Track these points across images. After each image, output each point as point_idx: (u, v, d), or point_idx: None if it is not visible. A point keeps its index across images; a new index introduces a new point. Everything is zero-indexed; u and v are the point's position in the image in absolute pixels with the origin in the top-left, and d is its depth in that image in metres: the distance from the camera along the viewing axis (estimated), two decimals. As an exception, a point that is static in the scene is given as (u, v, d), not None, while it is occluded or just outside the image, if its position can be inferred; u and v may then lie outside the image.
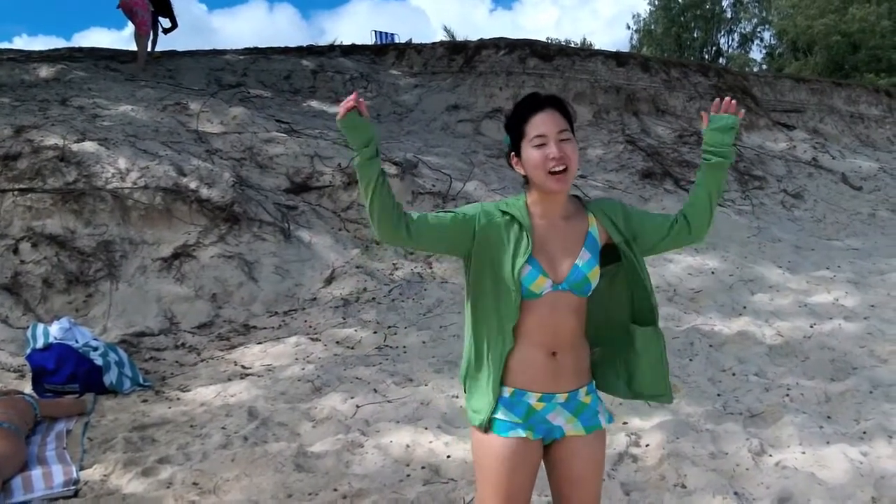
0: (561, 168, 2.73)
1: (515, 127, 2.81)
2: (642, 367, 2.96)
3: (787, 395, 6.08)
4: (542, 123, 2.75)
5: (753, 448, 5.02)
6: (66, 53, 15.19)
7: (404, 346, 7.31)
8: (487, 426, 2.84)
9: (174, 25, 14.87)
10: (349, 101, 2.65)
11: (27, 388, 6.32)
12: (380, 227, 2.75)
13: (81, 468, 4.93)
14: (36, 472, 4.80)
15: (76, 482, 4.72)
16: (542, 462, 2.97)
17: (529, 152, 2.76)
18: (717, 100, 2.98)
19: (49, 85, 12.50)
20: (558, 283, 2.79)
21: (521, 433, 2.82)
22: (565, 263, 2.81)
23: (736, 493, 4.48)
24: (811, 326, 7.64)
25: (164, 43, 15.26)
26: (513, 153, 2.85)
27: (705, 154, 2.98)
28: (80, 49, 15.89)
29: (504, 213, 2.84)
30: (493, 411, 2.84)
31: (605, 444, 3.00)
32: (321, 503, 4.44)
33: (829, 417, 5.68)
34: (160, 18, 14.43)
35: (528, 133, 2.76)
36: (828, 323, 7.73)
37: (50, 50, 15.73)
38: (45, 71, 13.06)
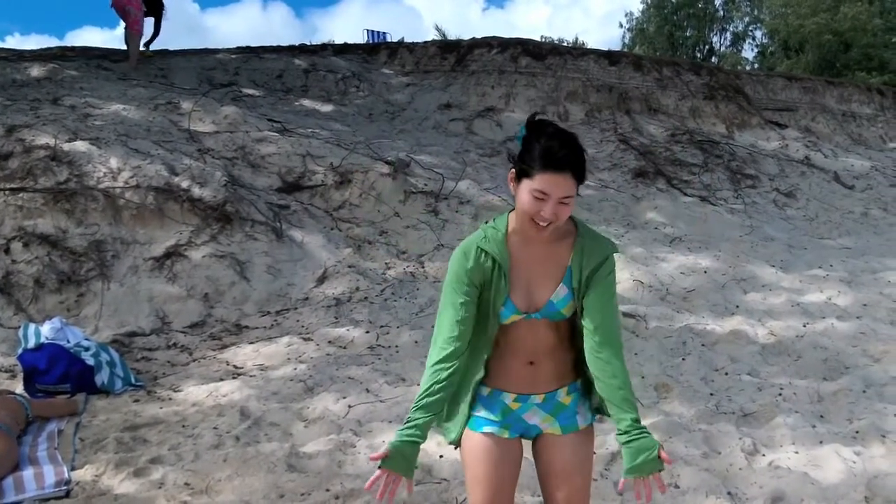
0: (546, 223, 2.64)
1: (526, 159, 2.65)
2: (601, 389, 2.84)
3: (780, 394, 6.09)
4: (551, 184, 2.59)
5: (746, 448, 5.03)
6: (58, 52, 15.13)
7: (397, 346, 7.30)
8: (459, 440, 2.94)
9: (156, 33, 14.93)
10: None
11: (18, 388, 6.29)
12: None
13: (73, 468, 4.90)
14: (27, 473, 4.77)
15: (68, 482, 4.69)
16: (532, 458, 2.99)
17: (525, 195, 2.63)
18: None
19: (40, 84, 12.45)
20: (532, 314, 2.78)
21: (496, 430, 2.87)
22: (541, 294, 2.78)
23: (729, 493, 4.48)
24: (804, 326, 7.65)
25: (156, 43, 15.24)
26: (513, 170, 2.71)
27: (624, 439, 2.69)
28: (72, 48, 15.83)
29: (483, 251, 2.77)
30: (467, 421, 2.92)
31: (590, 442, 2.99)
32: (313, 503, 4.43)
33: (822, 417, 5.69)
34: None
35: (534, 180, 2.60)
36: (820, 322, 7.74)
37: (41, 49, 15.67)
38: (36, 70, 13.01)
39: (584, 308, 2.77)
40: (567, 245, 2.81)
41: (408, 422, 2.73)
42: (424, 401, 2.75)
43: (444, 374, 2.76)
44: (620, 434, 2.68)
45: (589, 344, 2.76)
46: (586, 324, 2.76)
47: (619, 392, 2.70)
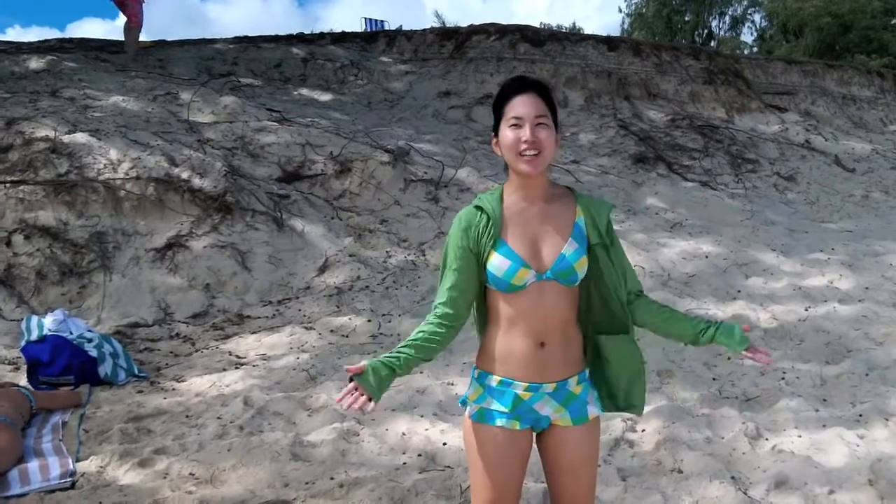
0: (533, 152, 2.70)
1: (497, 108, 2.80)
2: (612, 376, 2.93)
3: (783, 378, 6.09)
4: (520, 105, 2.73)
5: (749, 432, 5.03)
6: (57, 45, 15.09)
7: (398, 334, 7.30)
8: (475, 413, 2.89)
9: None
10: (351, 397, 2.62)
11: (22, 380, 6.31)
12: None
13: (78, 460, 4.92)
14: (32, 465, 4.79)
15: (73, 474, 4.71)
16: (536, 448, 2.97)
17: (505, 133, 2.74)
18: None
19: (39, 76, 12.43)
20: (542, 273, 2.75)
21: (507, 422, 2.82)
22: (549, 251, 2.77)
23: (733, 478, 4.49)
24: (806, 310, 7.64)
25: (156, 33, 15.21)
26: (494, 134, 2.82)
27: (710, 335, 2.88)
28: (71, 40, 15.81)
29: (478, 208, 2.81)
30: (480, 400, 2.86)
31: (597, 432, 2.97)
32: (318, 492, 4.44)
33: (824, 401, 5.70)
34: None
35: (507, 114, 2.74)
36: (822, 306, 7.74)
37: (40, 41, 15.65)
38: (35, 62, 12.98)
39: (611, 261, 2.85)
40: (568, 203, 2.86)
41: (395, 352, 2.75)
42: (419, 343, 2.78)
43: (442, 331, 2.80)
44: (704, 330, 2.87)
45: (624, 298, 2.89)
46: (613, 275, 2.85)
47: (672, 313, 2.95)
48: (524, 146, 2.69)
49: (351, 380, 2.62)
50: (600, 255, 2.81)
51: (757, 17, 45.42)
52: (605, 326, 2.89)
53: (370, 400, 2.60)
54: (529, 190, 2.80)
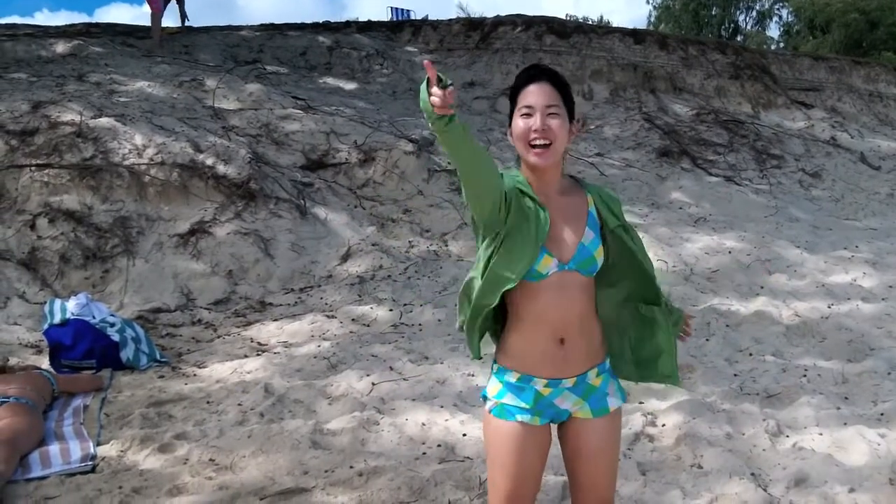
0: (543, 142, 2.65)
1: (511, 97, 2.76)
2: (650, 349, 2.94)
3: (805, 375, 6.05)
4: (531, 94, 2.68)
5: (770, 429, 5.00)
6: (83, 29, 15.17)
7: (420, 324, 7.31)
8: (494, 408, 2.85)
9: (183, 17, 14.99)
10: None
11: (44, 363, 6.36)
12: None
13: (98, 444, 4.96)
14: (53, 448, 4.83)
15: (93, 458, 4.74)
16: (557, 439, 2.95)
17: (516, 122, 2.70)
18: None
19: (66, 60, 12.51)
20: (564, 263, 2.73)
21: (528, 418, 2.80)
22: (569, 242, 2.74)
23: (752, 474, 4.46)
24: (829, 307, 7.59)
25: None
26: (509, 125, 2.77)
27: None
28: (97, 25, 15.89)
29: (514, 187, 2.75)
30: (499, 395, 2.84)
31: (618, 423, 2.95)
32: (337, 480, 4.45)
33: (846, 399, 5.65)
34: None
35: (519, 103, 2.71)
36: (845, 303, 7.68)
37: (66, 25, 15.73)
38: (61, 46, 13.06)
39: (633, 240, 2.85)
40: (579, 194, 2.85)
41: None
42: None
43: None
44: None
45: (653, 273, 2.92)
46: (639, 252, 2.85)
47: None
48: (534, 135, 2.65)
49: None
50: (623, 236, 2.82)
51: (784, 12, 44.98)
52: (649, 299, 2.93)
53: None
54: (544, 183, 2.77)
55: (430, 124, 2.42)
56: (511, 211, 2.67)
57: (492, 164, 2.62)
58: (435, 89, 2.36)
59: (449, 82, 2.39)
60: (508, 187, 2.68)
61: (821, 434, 4.96)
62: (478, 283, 2.76)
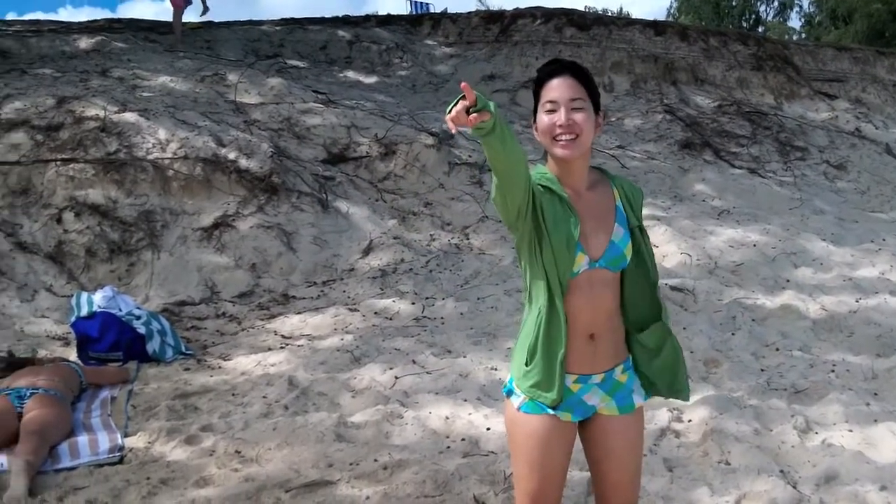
0: (568, 137, 2.61)
1: (534, 93, 2.73)
2: (658, 365, 2.87)
3: (833, 371, 5.99)
4: (555, 89, 2.64)
5: (799, 425, 4.94)
6: (106, 25, 15.29)
7: (442, 318, 7.30)
8: (524, 404, 2.78)
9: (205, 10, 15.11)
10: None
11: (72, 355, 6.41)
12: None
13: (126, 435, 4.98)
14: (82, 439, 4.85)
15: (121, 449, 4.77)
16: (579, 437, 2.92)
17: (540, 117, 2.67)
18: None
19: (89, 56, 12.60)
20: (595, 261, 2.70)
21: (559, 414, 2.76)
22: (600, 239, 2.71)
23: (781, 472, 4.41)
24: (856, 301, 7.50)
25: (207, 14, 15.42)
26: (534, 120, 2.74)
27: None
28: (120, 20, 16.01)
29: (540, 184, 2.71)
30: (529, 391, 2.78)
31: (642, 420, 2.93)
32: (361, 473, 4.45)
33: (875, 395, 5.59)
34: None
35: (542, 98, 2.67)
36: (873, 297, 7.59)
37: (89, 21, 15.85)
38: (85, 42, 13.15)
39: (645, 244, 2.80)
40: (606, 187, 2.80)
41: None
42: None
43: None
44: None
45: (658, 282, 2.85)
46: (648, 258, 2.80)
47: None
48: (559, 130, 2.62)
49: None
50: (638, 237, 2.78)
51: (805, 2, 44.59)
52: (645, 314, 2.84)
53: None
54: (572, 177, 2.73)
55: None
56: (538, 216, 2.64)
57: (525, 172, 2.58)
58: (455, 108, 2.48)
59: (488, 106, 2.44)
60: (536, 190, 2.64)
61: (850, 431, 4.91)
62: (543, 312, 2.70)
